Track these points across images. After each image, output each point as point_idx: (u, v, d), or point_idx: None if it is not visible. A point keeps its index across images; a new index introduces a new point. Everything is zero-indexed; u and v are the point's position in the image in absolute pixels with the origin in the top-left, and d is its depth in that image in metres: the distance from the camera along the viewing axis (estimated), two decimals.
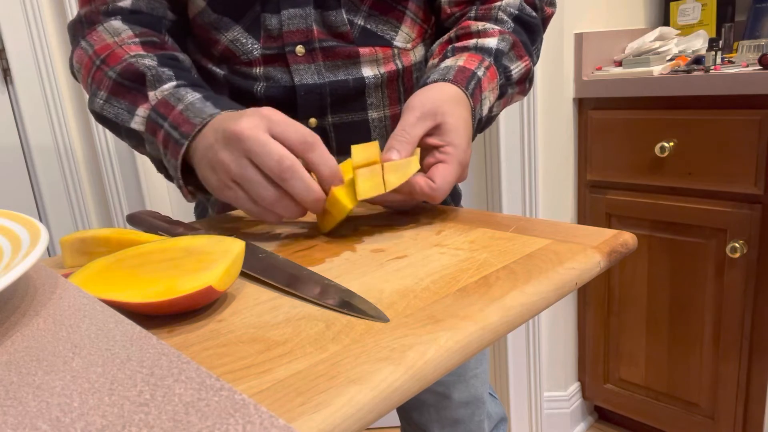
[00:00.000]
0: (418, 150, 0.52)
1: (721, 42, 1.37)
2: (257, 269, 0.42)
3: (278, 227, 0.56)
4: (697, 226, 1.25)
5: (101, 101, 0.60)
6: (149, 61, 0.59)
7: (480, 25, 0.64)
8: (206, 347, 0.32)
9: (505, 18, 0.65)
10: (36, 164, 1.46)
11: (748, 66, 1.21)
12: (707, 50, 1.32)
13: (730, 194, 1.20)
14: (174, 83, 0.57)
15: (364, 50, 0.65)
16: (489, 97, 0.61)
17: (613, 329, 1.46)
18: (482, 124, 0.62)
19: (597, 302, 1.48)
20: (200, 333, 0.34)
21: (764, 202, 1.16)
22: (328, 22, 0.64)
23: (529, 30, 0.66)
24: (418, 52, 0.70)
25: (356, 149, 0.52)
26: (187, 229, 0.51)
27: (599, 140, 1.37)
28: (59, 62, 1.46)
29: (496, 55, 0.62)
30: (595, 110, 1.36)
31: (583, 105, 1.38)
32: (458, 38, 0.65)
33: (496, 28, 0.64)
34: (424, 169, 0.52)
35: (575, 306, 1.53)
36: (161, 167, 0.59)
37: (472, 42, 0.63)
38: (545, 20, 0.70)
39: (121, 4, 0.63)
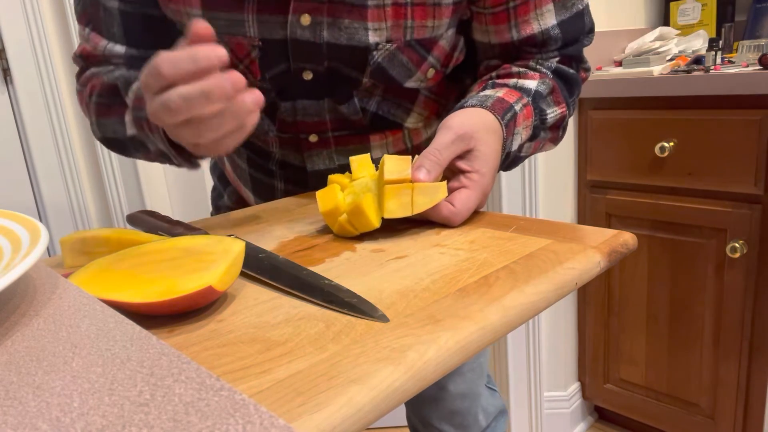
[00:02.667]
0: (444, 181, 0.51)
1: (721, 42, 1.37)
2: (257, 269, 0.42)
3: (278, 228, 0.56)
4: (697, 226, 1.25)
5: (95, 126, 0.62)
6: (119, 72, 0.59)
7: (521, 69, 0.65)
8: (206, 347, 0.32)
9: (544, 69, 0.65)
10: (36, 164, 1.46)
11: (748, 66, 1.21)
12: (707, 50, 1.32)
13: (730, 194, 1.20)
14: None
15: (374, 136, 0.68)
16: (521, 134, 0.60)
17: (613, 329, 1.46)
18: (510, 159, 0.61)
19: (597, 302, 1.48)
20: (200, 333, 0.34)
21: (764, 202, 1.16)
22: (341, 113, 0.65)
23: (567, 81, 0.66)
24: (431, 129, 0.71)
25: (389, 160, 0.49)
26: (187, 229, 0.51)
27: (599, 140, 1.37)
28: (59, 62, 1.46)
29: (535, 96, 0.62)
30: (595, 110, 1.36)
31: (583, 105, 1.38)
32: (499, 77, 0.65)
33: (537, 73, 0.64)
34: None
35: (575, 306, 1.53)
36: (162, 155, 0.58)
37: (512, 81, 0.63)
38: (581, 82, 0.70)
39: (116, 49, 0.63)
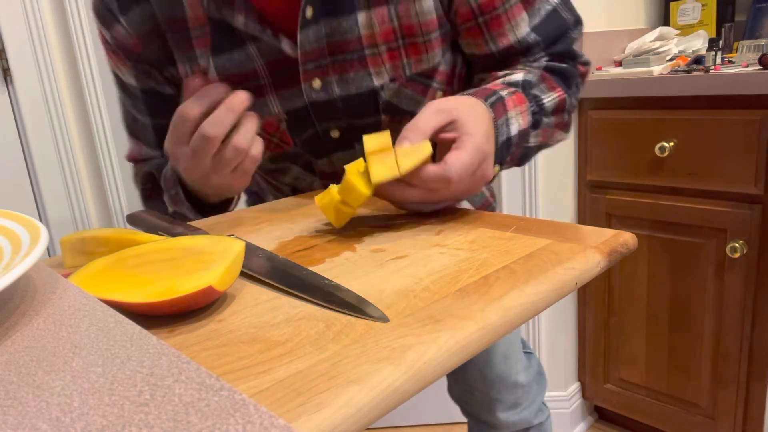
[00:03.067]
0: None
1: (721, 42, 1.37)
2: (257, 269, 0.42)
3: (278, 228, 0.56)
4: (697, 226, 1.25)
5: (146, 208, 0.74)
6: (155, 162, 0.73)
7: (507, 71, 0.65)
8: (206, 347, 0.32)
9: (533, 68, 0.65)
10: (36, 164, 1.46)
11: (748, 66, 1.21)
12: (707, 50, 1.32)
13: (730, 194, 1.20)
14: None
15: None
16: (518, 120, 0.58)
17: (613, 329, 1.46)
18: (516, 148, 0.60)
19: (597, 302, 1.48)
20: (200, 333, 0.34)
21: (764, 202, 1.16)
22: None
23: (559, 73, 0.65)
24: None
25: (368, 138, 0.50)
26: (187, 229, 0.51)
27: (599, 140, 1.37)
28: (59, 62, 1.46)
29: (524, 85, 0.61)
30: (595, 110, 1.36)
31: (583, 105, 1.38)
32: (486, 82, 0.65)
33: (524, 69, 0.64)
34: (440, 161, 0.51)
35: (575, 306, 1.53)
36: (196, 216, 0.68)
37: (498, 80, 0.63)
38: (581, 75, 0.69)
39: (152, 153, 0.75)
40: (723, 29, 1.50)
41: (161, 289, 0.34)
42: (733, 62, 1.29)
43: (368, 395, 0.26)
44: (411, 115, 0.64)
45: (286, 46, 0.62)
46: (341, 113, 0.66)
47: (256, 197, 0.89)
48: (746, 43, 1.30)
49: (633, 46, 1.49)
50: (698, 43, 1.49)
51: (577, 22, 0.67)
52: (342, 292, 0.37)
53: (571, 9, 0.67)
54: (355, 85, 0.64)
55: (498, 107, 0.57)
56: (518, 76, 0.62)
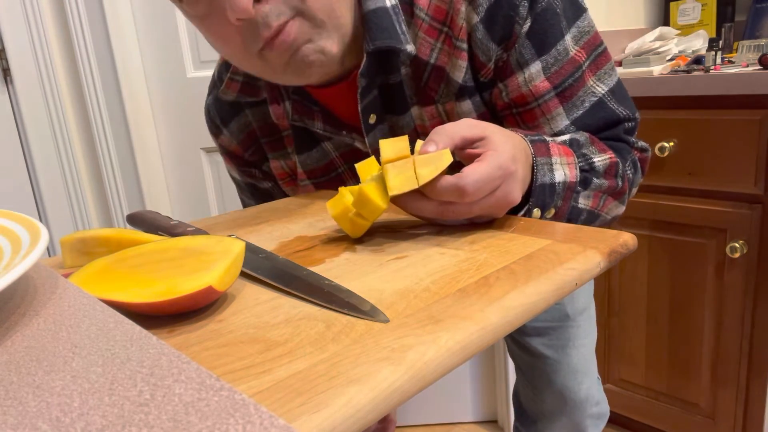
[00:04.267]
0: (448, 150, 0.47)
1: (721, 42, 1.37)
2: (257, 269, 0.42)
3: (278, 228, 0.56)
4: (697, 226, 1.25)
5: None
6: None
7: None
8: (206, 347, 0.32)
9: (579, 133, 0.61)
10: (36, 164, 1.46)
11: (748, 66, 1.21)
12: (707, 50, 1.32)
13: (730, 194, 1.20)
14: None
15: None
16: (563, 169, 0.54)
17: (613, 329, 1.46)
18: (558, 199, 0.55)
19: (597, 302, 1.48)
20: (200, 333, 0.34)
21: (764, 202, 1.16)
22: None
23: (609, 142, 0.61)
24: None
25: (385, 144, 0.47)
26: (187, 229, 0.51)
27: None
28: (59, 62, 1.46)
29: (571, 143, 0.57)
30: None
31: None
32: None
33: (570, 134, 0.60)
34: None
35: None
36: None
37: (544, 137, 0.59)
38: (640, 160, 0.65)
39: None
40: (723, 29, 1.50)
41: (161, 289, 0.34)
42: (733, 62, 1.29)
43: (368, 395, 0.26)
44: None
45: (358, 143, 0.68)
46: None
47: None
48: (746, 43, 1.30)
49: (633, 46, 1.49)
50: (698, 43, 1.49)
51: (628, 117, 0.63)
52: (342, 293, 0.37)
53: (624, 101, 0.63)
54: None
55: (540, 147, 0.54)
56: (565, 136, 0.59)
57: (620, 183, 0.61)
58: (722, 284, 1.25)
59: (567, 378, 0.87)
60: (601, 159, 0.59)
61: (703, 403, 1.34)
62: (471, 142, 0.48)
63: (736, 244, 1.19)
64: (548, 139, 0.56)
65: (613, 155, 0.60)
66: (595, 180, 0.58)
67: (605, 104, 0.62)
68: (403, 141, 0.47)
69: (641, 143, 0.66)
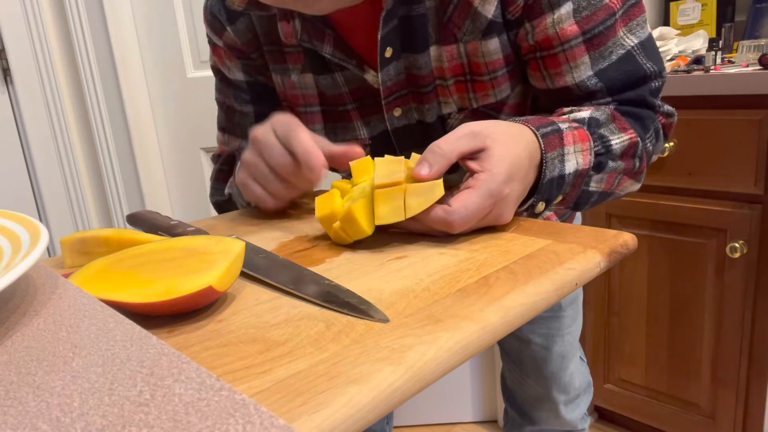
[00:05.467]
0: (440, 180, 0.46)
1: (721, 42, 1.37)
2: (257, 269, 0.42)
3: (278, 228, 0.56)
4: (697, 226, 1.25)
5: (212, 190, 0.78)
6: (239, 143, 0.76)
7: (573, 108, 0.60)
8: (206, 347, 0.32)
9: (601, 107, 0.59)
10: (36, 164, 1.46)
11: (748, 66, 1.21)
12: (707, 50, 1.32)
13: (730, 194, 1.20)
14: None
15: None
16: (576, 158, 0.53)
17: (613, 329, 1.46)
18: (567, 187, 0.54)
19: (597, 302, 1.48)
20: (200, 333, 0.34)
21: (764, 202, 1.16)
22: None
23: (633, 115, 0.59)
24: None
25: (380, 163, 0.47)
26: (187, 229, 0.51)
27: None
28: (59, 62, 1.46)
29: (590, 123, 0.56)
30: None
31: None
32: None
33: (591, 106, 0.59)
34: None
35: None
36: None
37: (563, 116, 0.58)
38: (664, 127, 0.63)
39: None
40: (723, 29, 1.50)
41: (161, 289, 0.34)
42: (733, 62, 1.29)
43: (368, 395, 0.26)
44: None
45: (369, 76, 0.65)
46: (419, 138, 0.68)
47: None
48: (746, 43, 1.30)
49: None
50: (698, 43, 1.49)
51: (656, 73, 0.60)
52: (342, 292, 0.37)
53: (653, 56, 0.60)
54: (429, 114, 0.66)
55: (551, 139, 0.52)
56: (585, 113, 0.57)
57: (638, 163, 0.59)
58: (722, 284, 1.25)
59: (553, 364, 0.89)
60: (619, 140, 0.57)
61: (703, 403, 1.34)
62: (470, 155, 0.48)
63: (736, 244, 1.19)
64: (563, 126, 0.53)
65: (633, 134, 0.58)
66: (611, 163, 0.57)
67: (633, 57, 0.59)
68: (398, 163, 0.47)
69: (667, 107, 0.63)
